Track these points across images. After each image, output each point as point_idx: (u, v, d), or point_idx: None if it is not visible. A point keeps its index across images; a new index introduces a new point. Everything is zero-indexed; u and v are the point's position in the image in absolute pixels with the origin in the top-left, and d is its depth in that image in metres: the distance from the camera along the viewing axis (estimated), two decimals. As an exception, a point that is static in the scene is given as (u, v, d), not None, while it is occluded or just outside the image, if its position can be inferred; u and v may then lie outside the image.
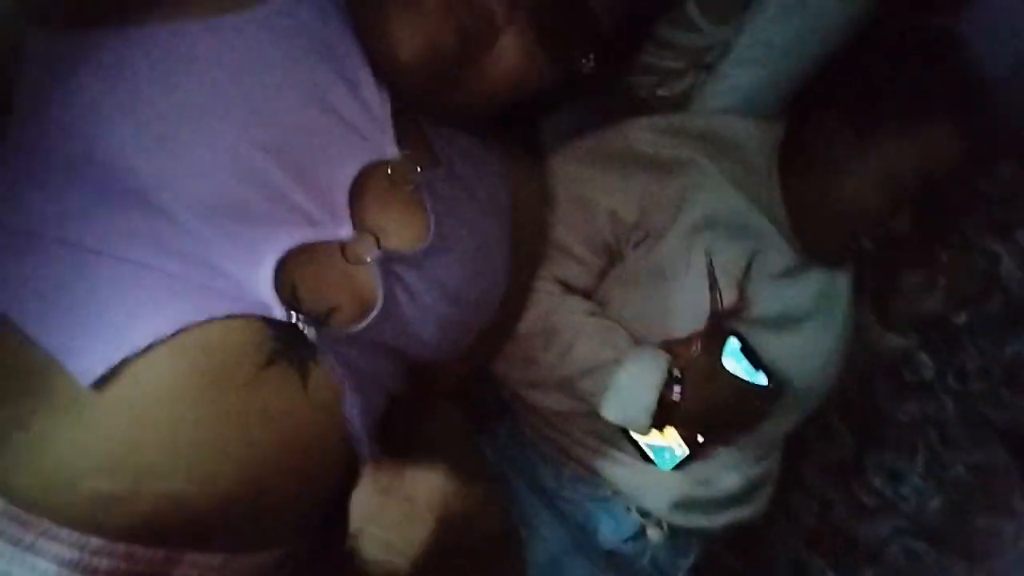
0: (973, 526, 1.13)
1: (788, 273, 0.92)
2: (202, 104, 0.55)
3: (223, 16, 0.57)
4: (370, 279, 0.62)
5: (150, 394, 0.54)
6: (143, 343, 0.53)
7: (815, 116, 0.92)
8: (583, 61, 0.68)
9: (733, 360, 0.85)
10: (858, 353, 1.02)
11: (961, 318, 1.06)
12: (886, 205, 0.87)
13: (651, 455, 0.88)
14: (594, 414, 0.86)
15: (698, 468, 0.91)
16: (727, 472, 0.93)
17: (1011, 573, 1.11)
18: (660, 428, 0.85)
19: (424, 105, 0.68)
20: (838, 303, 0.96)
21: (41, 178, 0.57)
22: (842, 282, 0.97)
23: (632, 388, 0.83)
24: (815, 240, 0.92)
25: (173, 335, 0.54)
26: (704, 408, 0.84)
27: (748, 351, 0.86)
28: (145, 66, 0.54)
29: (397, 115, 0.64)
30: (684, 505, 0.91)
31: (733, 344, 0.86)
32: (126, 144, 0.54)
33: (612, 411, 0.84)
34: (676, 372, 0.83)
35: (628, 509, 0.92)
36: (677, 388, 0.83)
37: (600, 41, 0.68)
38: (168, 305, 0.55)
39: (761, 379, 0.85)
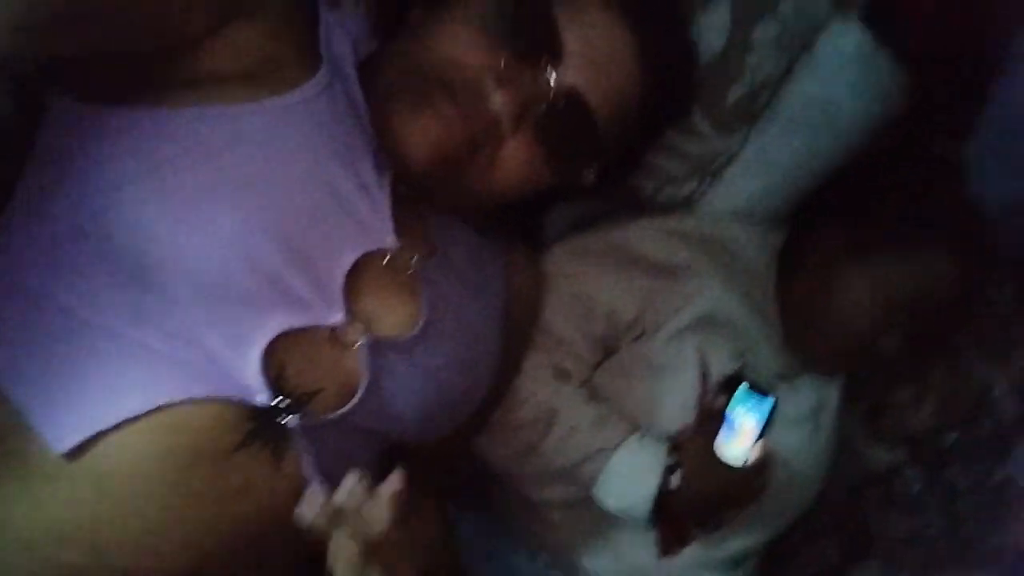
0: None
1: (778, 379, 0.94)
2: (216, 187, 0.57)
3: (245, 103, 0.59)
4: (356, 364, 0.63)
5: (119, 470, 0.54)
6: (119, 418, 0.54)
7: (815, 229, 0.94)
8: (585, 172, 0.71)
9: (742, 406, 0.86)
10: (845, 463, 1.03)
11: (951, 437, 1.06)
12: (877, 324, 0.89)
13: None
14: (586, 503, 0.87)
15: (676, 566, 0.92)
16: (704, 573, 0.94)
17: None
18: (658, 516, 0.86)
19: (428, 197, 0.71)
20: (826, 412, 0.98)
21: (42, 241, 0.58)
22: (831, 391, 0.98)
23: (632, 476, 0.85)
24: (806, 350, 0.94)
25: (150, 412, 0.54)
26: (702, 493, 0.86)
27: (754, 387, 0.87)
28: (167, 147, 0.56)
29: (399, 202, 0.67)
30: (661, 606, 0.91)
31: (743, 389, 0.86)
32: (137, 220, 0.55)
33: (611, 499, 0.85)
34: (673, 460, 0.85)
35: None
36: (675, 477, 0.84)
37: (604, 156, 0.71)
38: (149, 382, 0.55)
39: (768, 404, 0.85)
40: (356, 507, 0.58)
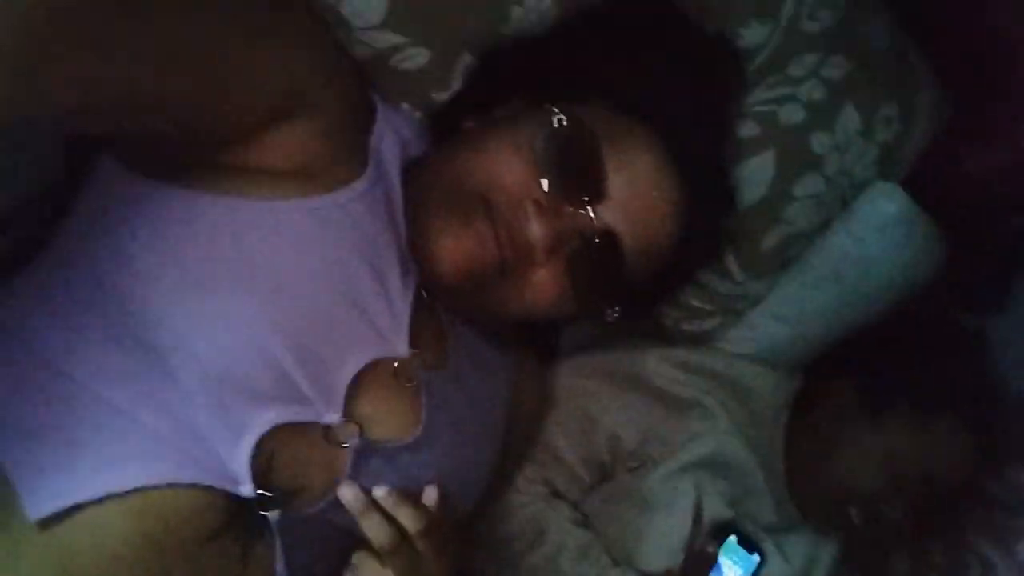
0: None
1: (774, 528, 0.92)
2: (237, 279, 0.57)
3: (282, 199, 0.59)
4: (342, 463, 0.62)
5: (87, 547, 0.53)
6: (100, 492, 0.53)
7: (830, 380, 0.93)
8: (608, 309, 0.71)
9: (729, 557, 0.86)
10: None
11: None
12: (882, 487, 0.87)
13: None
14: None
15: None
16: None
17: None
18: None
19: (450, 308, 0.71)
20: (819, 570, 0.95)
21: (56, 300, 0.58)
22: (825, 553, 0.96)
23: None
24: (807, 502, 0.92)
25: (132, 492, 0.54)
26: None
27: (743, 539, 0.87)
28: (200, 232, 0.57)
29: (419, 309, 0.67)
30: None
31: (732, 541, 0.86)
32: (155, 298, 0.55)
33: None
34: None
35: None
36: None
37: (630, 296, 0.71)
38: (137, 460, 0.55)
39: (754, 561, 0.86)
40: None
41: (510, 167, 0.65)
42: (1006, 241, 1.00)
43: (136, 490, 0.54)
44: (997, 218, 1.00)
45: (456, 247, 0.64)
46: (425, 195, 0.67)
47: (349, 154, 0.65)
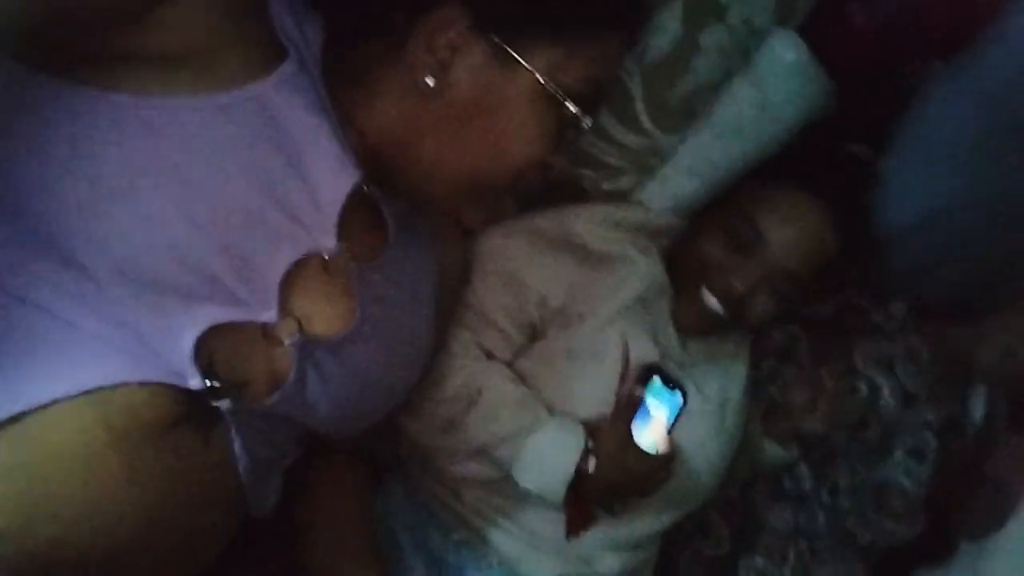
0: (825, 635, 1.18)
1: (693, 364, 0.98)
2: (149, 178, 0.55)
3: (194, 97, 0.57)
4: (286, 360, 0.63)
5: (47, 447, 0.53)
6: (47, 399, 0.53)
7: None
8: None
9: (656, 398, 0.90)
10: (743, 458, 1.08)
11: (840, 439, 1.13)
12: (773, 305, 0.94)
13: None
14: (500, 483, 0.88)
15: (581, 546, 0.94)
16: (607, 554, 0.96)
17: None
18: (569, 498, 0.88)
19: (394, 188, 0.71)
20: (729, 409, 1.02)
21: None
22: (735, 390, 1.03)
23: (551, 457, 0.86)
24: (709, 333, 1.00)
25: (84, 393, 0.54)
26: (614, 478, 0.88)
27: (666, 379, 0.91)
28: (103, 130, 0.54)
29: (356, 202, 0.66)
30: (565, 581, 0.93)
31: (656, 382, 0.91)
32: (66, 202, 0.54)
33: (529, 479, 0.86)
34: (590, 444, 0.87)
35: (506, 579, 0.94)
36: (592, 459, 0.86)
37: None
38: (84, 365, 0.55)
39: (678, 398, 0.91)
40: None
41: None
42: (892, 87, 1.06)
43: (89, 391, 0.54)
44: (884, 67, 1.06)
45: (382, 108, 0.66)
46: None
47: (256, 42, 0.62)
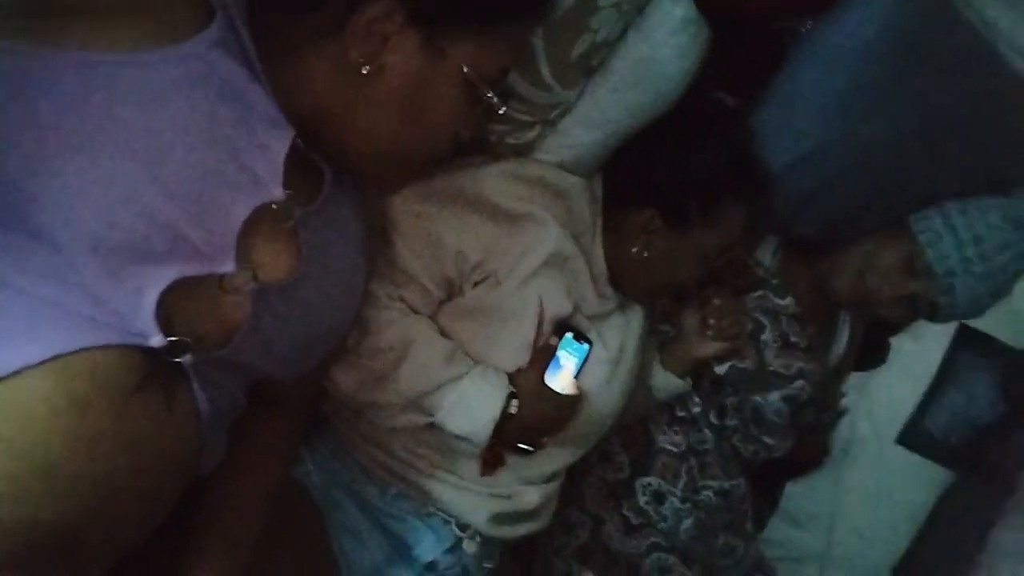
0: (715, 544, 1.31)
1: (598, 316, 1.05)
2: (105, 138, 0.55)
3: (139, 53, 0.57)
4: (241, 307, 0.65)
5: (10, 416, 0.53)
6: (8, 369, 0.52)
7: (632, 198, 1.06)
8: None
9: (566, 348, 0.98)
10: (641, 396, 1.17)
11: (724, 368, 1.24)
12: (699, 273, 1.05)
13: None
14: (428, 432, 0.93)
15: (504, 482, 1.01)
16: (527, 488, 1.03)
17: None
18: (497, 440, 0.94)
19: (317, 144, 0.73)
20: (627, 355, 1.10)
21: None
22: (636, 327, 1.11)
23: (478, 403, 0.92)
24: (629, 292, 1.08)
25: (46, 361, 0.53)
26: (532, 420, 0.95)
27: (577, 335, 1.00)
28: (53, 90, 0.53)
29: (294, 154, 0.69)
30: (497, 519, 1.01)
31: (567, 336, 0.99)
32: (20, 166, 0.53)
33: (457, 424, 0.91)
34: (512, 389, 0.94)
35: (446, 523, 1.00)
36: (514, 403, 0.93)
37: None
38: (45, 333, 0.54)
39: (585, 349, 0.99)
40: None
41: None
42: (768, 40, 1.14)
43: (52, 359, 0.54)
44: (760, 21, 1.13)
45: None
46: None
47: (184, 2, 0.62)
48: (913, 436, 1.77)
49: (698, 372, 1.24)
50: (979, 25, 0.97)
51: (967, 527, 1.59)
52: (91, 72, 0.55)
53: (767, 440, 1.28)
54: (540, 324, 0.97)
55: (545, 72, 0.95)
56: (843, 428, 1.72)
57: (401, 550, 0.99)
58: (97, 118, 0.55)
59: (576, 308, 1.01)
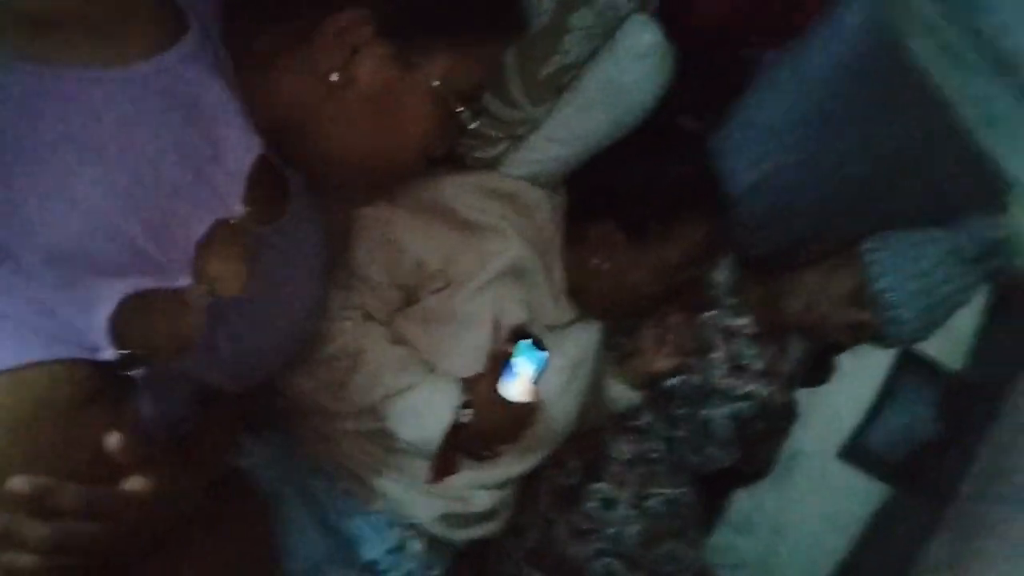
0: (660, 551, 1.35)
1: (556, 327, 1.07)
2: (67, 153, 0.55)
3: (102, 69, 0.57)
4: (196, 322, 0.65)
5: None
6: None
7: (592, 212, 1.08)
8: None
9: (523, 356, 0.98)
10: (595, 406, 1.20)
11: (674, 381, 1.28)
12: (659, 290, 1.07)
13: None
14: (379, 433, 0.94)
15: (457, 486, 1.03)
16: (480, 492, 1.06)
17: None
18: (449, 448, 0.96)
19: (287, 154, 0.74)
20: (584, 365, 1.13)
21: None
22: (591, 347, 1.14)
23: (427, 412, 0.93)
24: (590, 308, 1.10)
25: None
26: (486, 428, 0.97)
27: (536, 343, 1.00)
28: (14, 104, 0.53)
29: (260, 168, 0.69)
30: (445, 519, 1.02)
31: (523, 343, 0.99)
32: None
33: (408, 432, 0.93)
34: (465, 398, 0.95)
35: (391, 524, 1.01)
36: (466, 412, 0.94)
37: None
38: None
39: (543, 357, 0.99)
40: None
41: None
42: (731, 66, 1.18)
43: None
44: (725, 49, 1.17)
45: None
46: None
47: (159, 13, 0.62)
48: (854, 452, 1.84)
49: (650, 383, 1.27)
50: (929, 71, 1.01)
51: (902, 540, 1.66)
52: (55, 87, 0.55)
53: (714, 452, 1.32)
54: (496, 331, 0.99)
55: (515, 90, 0.98)
56: (788, 441, 1.78)
57: (343, 548, 1.00)
58: (55, 131, 0.55)
59: (533, 318, 1.03)
